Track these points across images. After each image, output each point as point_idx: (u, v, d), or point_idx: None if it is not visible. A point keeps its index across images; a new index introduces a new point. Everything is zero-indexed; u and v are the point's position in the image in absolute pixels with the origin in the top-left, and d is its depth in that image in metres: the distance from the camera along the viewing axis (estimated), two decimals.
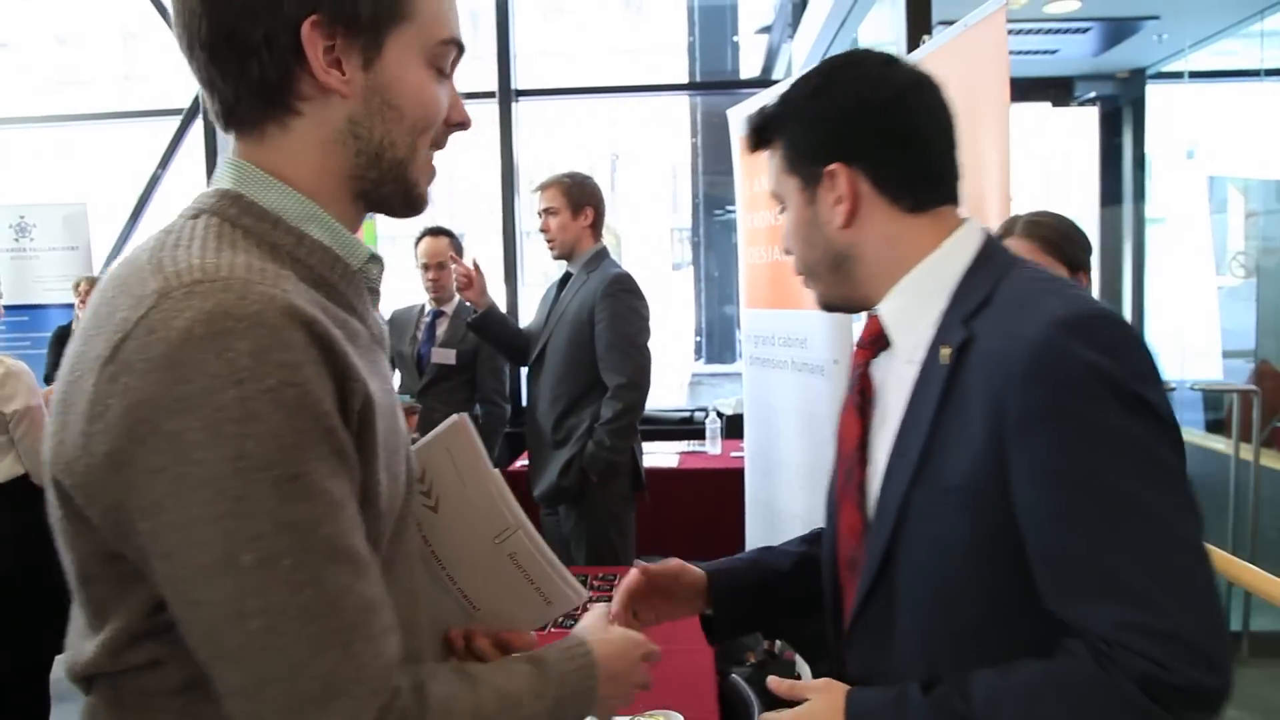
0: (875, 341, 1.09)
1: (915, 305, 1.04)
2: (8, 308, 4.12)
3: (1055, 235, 1.83)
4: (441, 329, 3.68)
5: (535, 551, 0.94)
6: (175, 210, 0.81)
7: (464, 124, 0.86)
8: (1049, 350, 0.88)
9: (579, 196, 3.11)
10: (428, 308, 3.73)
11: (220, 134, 0.81)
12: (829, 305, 1.16)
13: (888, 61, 1.06)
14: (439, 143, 0.85)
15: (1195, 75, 5.09)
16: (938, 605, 0.98)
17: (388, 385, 0.83)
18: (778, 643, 2.82)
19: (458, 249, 3.65)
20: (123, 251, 5.39)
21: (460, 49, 0.83)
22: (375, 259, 0.83)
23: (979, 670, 0.92)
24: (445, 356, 3.61)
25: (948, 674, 0.94)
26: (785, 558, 1.31)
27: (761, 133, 1.12)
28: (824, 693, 1.00)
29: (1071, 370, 0.88)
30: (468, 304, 3.27)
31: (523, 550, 0.94)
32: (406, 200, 0.84)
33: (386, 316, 3.96)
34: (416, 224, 3.75)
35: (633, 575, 1.20)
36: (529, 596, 0.96)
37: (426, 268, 3.63)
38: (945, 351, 0.98)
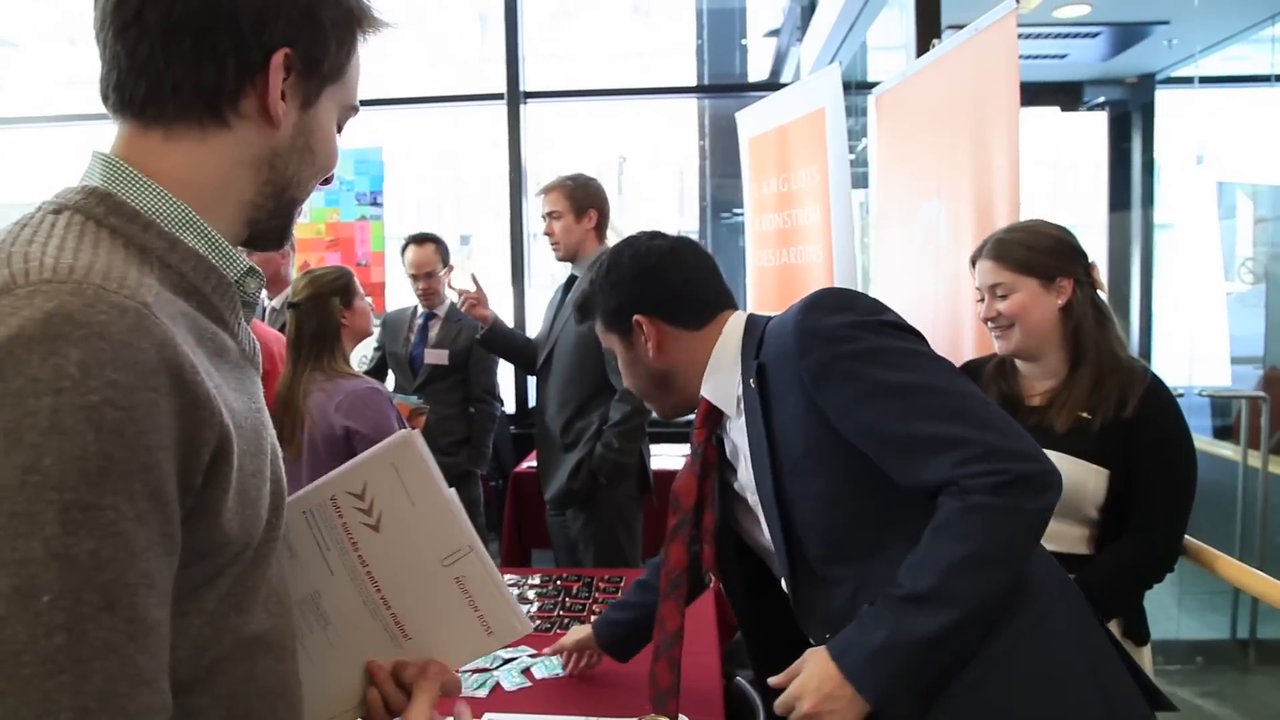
0: (709, 418, 1.46)
1: (722, 379, 1.43)
2: None
3: (1021, 251, 1.83)
4: (434, 331, 3.71)
5: (486, 575, 0.91)
6: None
7: (330, 180, 0.89)
8: (804, 327, 1.26)
9: (582, 199, 3.11)
10: (419, 309, 3.76)
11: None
12: (668, 414, 1.57)
13: (653, 236, 1.51)
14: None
15: (1205, 80, 5.07)
16: (844, 545, 1.28)
17: (255, 403, 0.78)
18: None
19: (444, 254, 3.68)
20: None
21: (356, 114, 0.89)
22: (253, 272, 0.81)
23: None
24: (438, 357, 3.65)
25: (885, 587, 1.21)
26: (635, 608, 1.80)
27: (583, 310, 1.56)
28: (811, 659, 1.24)
29: (824, 332, 1.25)
30: (459, 305, 3.28)
31: (473, 573, 0.91)
32: (279, 238, 0.86)
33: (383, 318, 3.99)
34: (422, 226, 3.75)
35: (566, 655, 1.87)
36: (469, 624, 0.92)
37: (415, 278, 3.66)
38: (751, 382, 1.35)
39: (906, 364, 1.22)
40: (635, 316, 1.45)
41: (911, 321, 1.33)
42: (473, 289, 3.13)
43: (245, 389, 0.77)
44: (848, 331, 1.24)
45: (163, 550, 0.63)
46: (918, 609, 1.14)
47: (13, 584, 0.56)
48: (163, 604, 0.64)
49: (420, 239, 3.67)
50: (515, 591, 2.41)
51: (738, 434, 1.42)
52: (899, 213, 3.21)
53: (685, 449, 4.29)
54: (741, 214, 4.01)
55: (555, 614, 2.26)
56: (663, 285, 1.47)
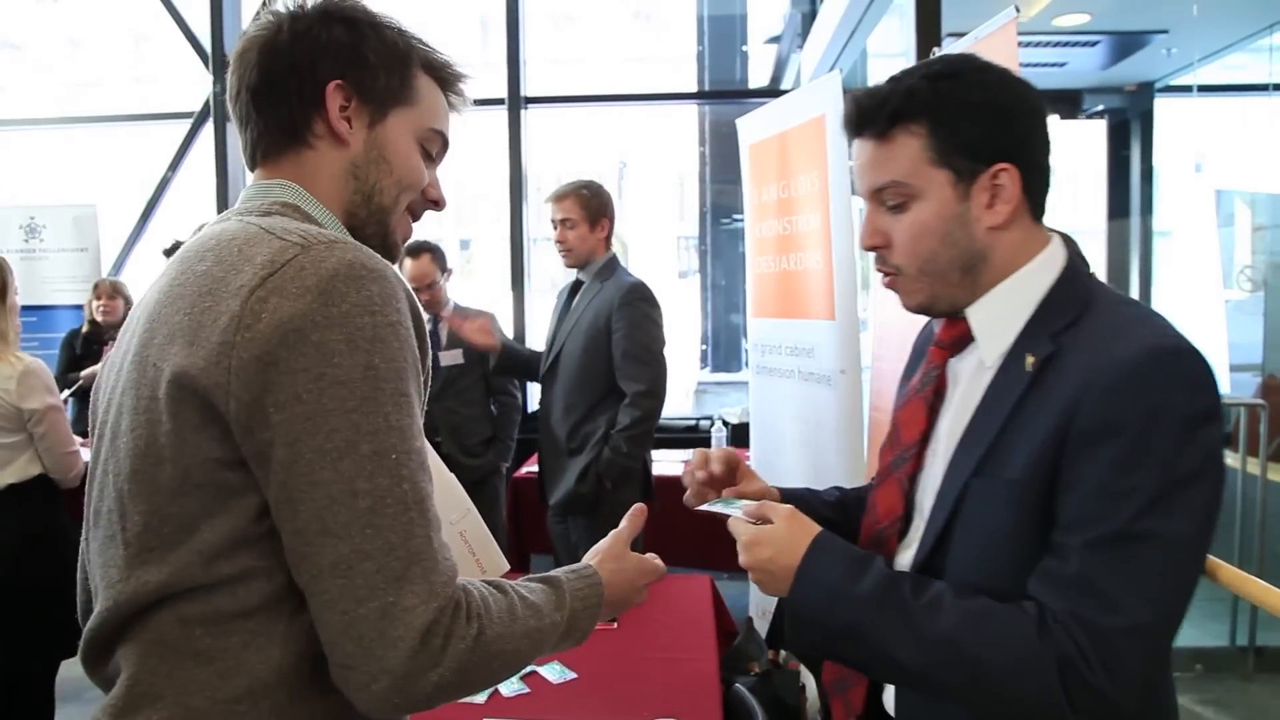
0: (956, 343, 1.13)
1: (1004, 314, 1.07)
2: None
3: None
4: (443, 333, 3.71)
5: (480, 528, 1.20)
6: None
7: (438, 203, 1.07)
8: (1135, 373, 0.92)
9: (597, 208, 3.09)
10: (424, 316, 3.74)
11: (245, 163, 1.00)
12: (927, 308, 1.12)
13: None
14: (415, 211, 1.05)
15: (1204, 89, 5.09)
16: (986, 579, 1.01)
17: None
18: (782, 653, 2.81)
19: (441, 261, 3.63)
20: (131, 253, 5.39)
21: (445, 142, 1.05)
22: None
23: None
24: (454, 357, 3.65)
25: None
26: (831, 507, 1.36)
27: (901, 113, 1.04)
28: (798, 525, 1.07)
29: (1149, 395, 0.92)
30: (460, 305, 3.33)
31: (472, 527, 1.19)
32: (384, 246, 1.01)
33: None
34: (422, 231, 3.75)
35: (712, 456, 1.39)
36: (470, 568, 1.18)
37: (417, 290, 3.60)
38: (1030, 360, 1.01)
39: (1173, 504, 0.91)
40: (1003, 163, 1.03)
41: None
42: (483, 337, 3.16)
43: None
44: (1162, 414, 0.92)
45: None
46: (903, 626, 0.98)
47: (373, 447, 0.79)
48: None
49: (415, 250, 3.59)
50: None
51: (971, 382, 1.10)
52: None
53: (686, 454, 4.30)
54: (741, 220, 4.01)
55: None
56: (1041, 139, 1.07)
